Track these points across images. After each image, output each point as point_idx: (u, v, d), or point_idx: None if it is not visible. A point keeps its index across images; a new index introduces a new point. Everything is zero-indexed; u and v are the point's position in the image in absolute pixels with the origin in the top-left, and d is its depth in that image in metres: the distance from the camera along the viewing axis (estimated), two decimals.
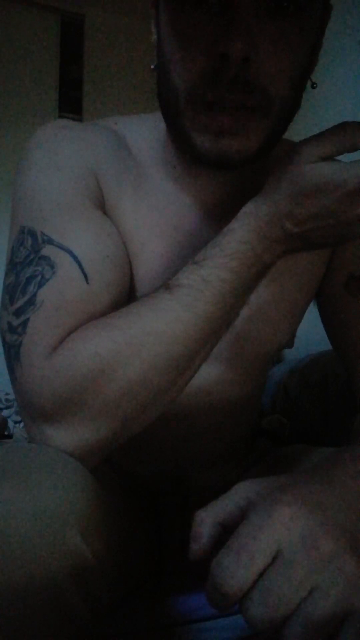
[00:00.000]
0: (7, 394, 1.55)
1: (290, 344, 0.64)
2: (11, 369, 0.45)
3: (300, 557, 0.29)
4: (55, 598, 0.34)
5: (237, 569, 0.29)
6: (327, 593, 0.28)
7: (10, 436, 1.44)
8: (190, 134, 0.45)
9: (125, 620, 0.53)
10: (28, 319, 0.44)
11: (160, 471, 0.65)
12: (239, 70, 0.40)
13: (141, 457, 0.64)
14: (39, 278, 0.45)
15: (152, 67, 0.50)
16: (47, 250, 0.46)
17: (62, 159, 0.51)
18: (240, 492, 0.34)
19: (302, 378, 0.97)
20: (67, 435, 0.42)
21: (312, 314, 0.63)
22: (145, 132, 0.57)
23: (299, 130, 0.52)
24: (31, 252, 0.46)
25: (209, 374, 0.57)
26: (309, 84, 0.49)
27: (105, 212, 0.52)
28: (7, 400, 1.54)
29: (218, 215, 0.54)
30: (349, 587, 0.28)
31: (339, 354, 0.61)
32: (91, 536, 0.37)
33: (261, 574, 0.29)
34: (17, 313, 0.45)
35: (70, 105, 2.19)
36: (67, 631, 0.35)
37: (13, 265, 0.47)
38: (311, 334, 0.79)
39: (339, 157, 0.44)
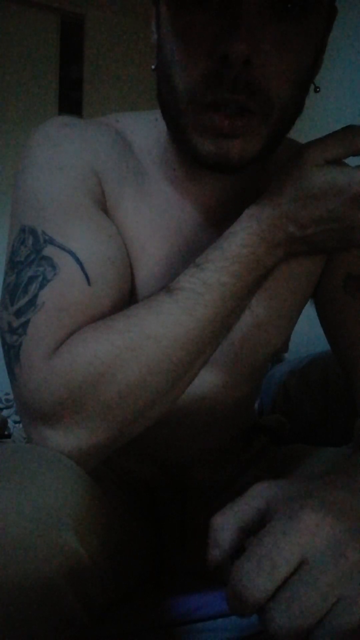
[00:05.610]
0: (7, 394, 1.55)
1: (284, 348, 0.63)
2: (11, 370, 0.45)
3: (326, 565, 0.28)
4: (51, 599, 0.34)
5: (257, 576, 0.28)
6: (355, 603, 0.27)
7: (9, 436, 1.44)
8: (191, 136, 0.44)
9: (125, 620, 0.53)
10: (29, 320, 0.44)
11: (157, 467, 0.65)
12: (240, 72, 0.40)
13: (139, 456, 0.64)
14: (40, 279, 0.45)
15: (153, 67, 0.49)
16: (48, 251, 0.46)
17: (64, 158, 0.50)
18: (259, 495, 0.33)
19: (302, 378, 0.97)
20: (65, 437, 0.42)
21: (312, 314, 0.63)
22: (146, 131, 0.56)
23: (301, 132, 0.52)
24: (32, 251, 0.46)
25: (204, 380, 0.56)
26: (312, 87, 0.48)
27: (106, 213, 0.52)
28: (7, 400, 1.54)
29: (219, 218, 0.54)
30: None
31: (337, 355, 0.60)
32: (87, 537, 0.37)
33: (284, 582, 0.28)
34: (18, 314, 0.45)
35: (70, 105, 2.19)
36: (62, 631, 0.35)
37: (14, 265, 0.47)
38: (311, 334, 0.78)
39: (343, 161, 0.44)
